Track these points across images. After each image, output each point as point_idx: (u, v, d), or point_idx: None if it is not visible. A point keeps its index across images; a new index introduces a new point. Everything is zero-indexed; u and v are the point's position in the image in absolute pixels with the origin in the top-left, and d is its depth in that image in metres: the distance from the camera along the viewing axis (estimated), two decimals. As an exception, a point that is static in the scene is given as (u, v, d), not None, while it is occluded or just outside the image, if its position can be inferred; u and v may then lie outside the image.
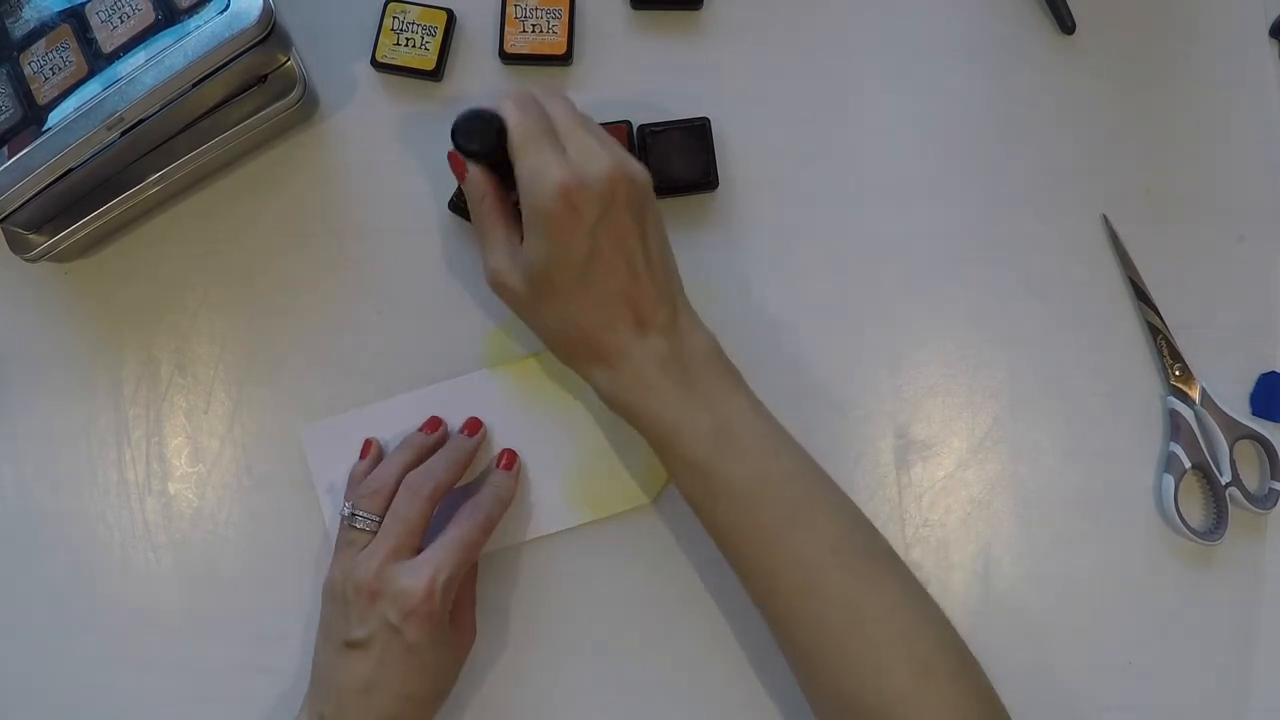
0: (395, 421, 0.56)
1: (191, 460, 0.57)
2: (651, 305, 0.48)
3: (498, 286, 0.50)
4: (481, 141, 0.48)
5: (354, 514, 0.51)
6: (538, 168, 0.46)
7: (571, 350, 0.50)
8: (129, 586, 0.56)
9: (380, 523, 0.51)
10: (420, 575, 0.48)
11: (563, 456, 0.56)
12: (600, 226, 0.46)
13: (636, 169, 0.48)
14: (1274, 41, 0.61)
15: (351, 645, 0.48)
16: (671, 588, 0.55)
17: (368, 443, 0.55)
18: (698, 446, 0.47)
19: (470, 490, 0.54)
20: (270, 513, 0.57)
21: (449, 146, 0.49)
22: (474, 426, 0.55)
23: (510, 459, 0.55)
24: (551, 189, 0.45)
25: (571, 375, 0.51)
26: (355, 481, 0.54)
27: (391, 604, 0.48)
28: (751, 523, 0.47)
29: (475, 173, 0.50)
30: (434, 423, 0.55)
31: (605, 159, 0.47)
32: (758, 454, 0.48)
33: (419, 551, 0.50)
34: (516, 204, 0.49)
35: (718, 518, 0.48)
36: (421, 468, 0.52)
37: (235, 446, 0.57)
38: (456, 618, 0.52)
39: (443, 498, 0.52)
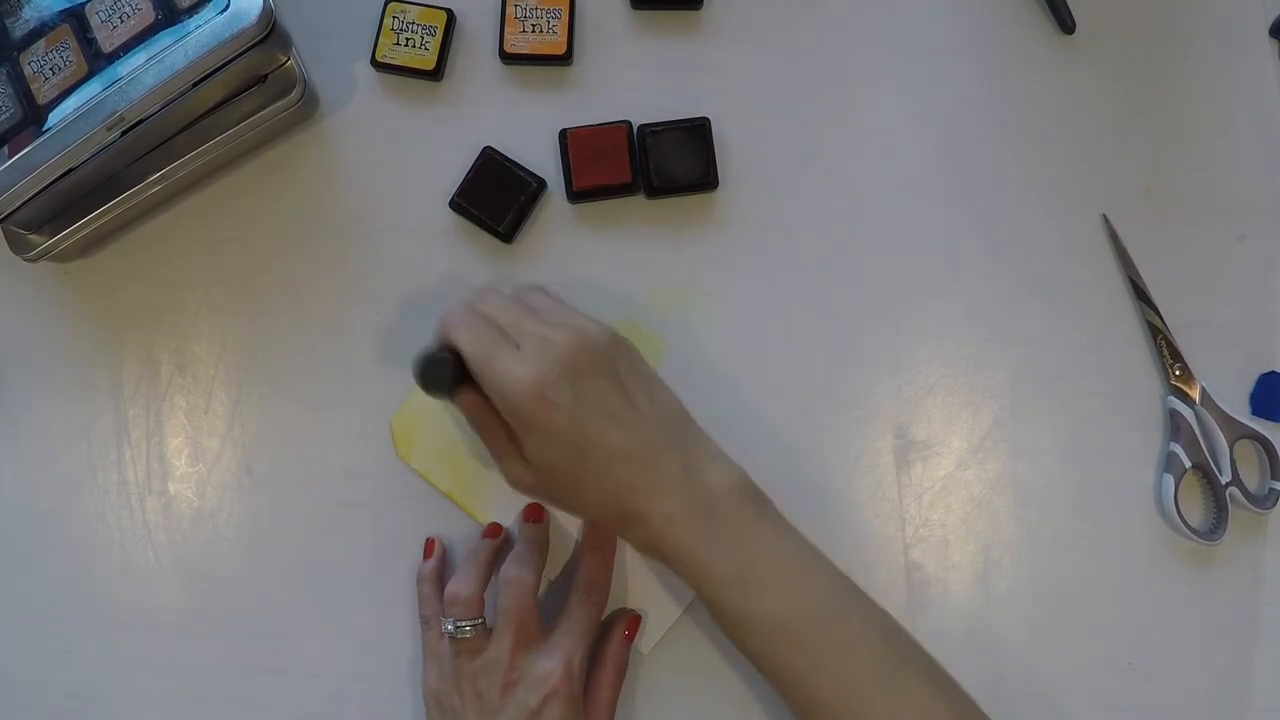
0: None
1: (191, 460, 0.57)
2: (658, 457, 0.48)
3: (519, 489, 0.51)
4: (447, 382, 0.49)
5: (458, 627, 0.50)
6: (501, 383, 0.47)
7: (602, 522, 0.51)
8: (129, 586, 0.56)
9: (483, 623, 0.51)
10: (555, 658, 0.49)
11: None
12: (578, 405, 0.47)
13: (593, 331, 0.48)
14: (1274, 41, 0.61)
15: None
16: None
17: (430, 541, 0.55)
18: (724, 592, 0.47)
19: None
20: (270, 513, 0.57)
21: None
22: (536, 513, 0.55)
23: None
24: (521, 395, 0.46)
25: None
26: (427, 581, 0.54)
27: (530, 689, 0.48)
28: (785, 649, 0.47)
29: (460, 400, 0.50)
30: (495, 529, 0.55)
31: (558, 338, 0.47)
32: (786, 590, 0.48)
33: (542, 637, 0.50)
34: None
35: (750, 647, 0.48)
36: (514, 559, 0.52)
37: (235, 446, 0.57)
38: (590, 709, 0.51)
39: (540, 581, 0.52)
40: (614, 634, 0.53)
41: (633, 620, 0.54)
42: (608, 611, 0.54)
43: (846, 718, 0.46)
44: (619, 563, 0.55)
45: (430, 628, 0.53)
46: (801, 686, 0.47)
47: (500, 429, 0.50)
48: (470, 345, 0.48)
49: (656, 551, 0.48)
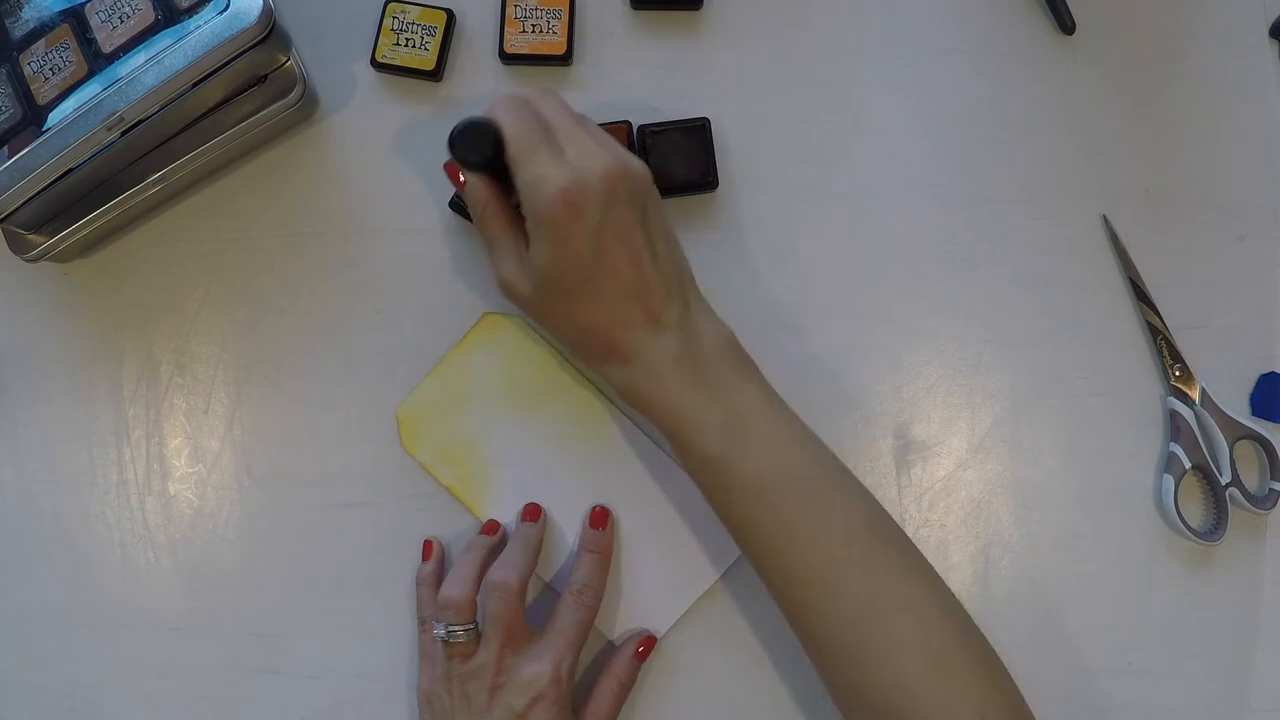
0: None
1: (191, 460, 0.57)
2: (661, 302, 0.48)
3: (509, 293, 0.50)
4: (480, 151, 0.48)
5: (450, 631, 0.50)
6: (537, 175, 0.46)
7: (586, 350, 0.50)
8: (129, 586, 0.56)
9: (474, 628, 0.51)
10: (544, 661, 0.49)
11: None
12: (603, 227, 0.46)
13: (635, 165, 0.48)
14: (1274, 41, 0.61)
15: None
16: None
17: (428, 544, 0.55)
18: (710, 441, 0.47)
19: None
20: (270, 513, 0.57)
21: (446, 151, 0.49)
22: (534, 512, 0.55)
23: (602, 516, 0.54)
24: (552, 194, 0.45)
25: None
26: (424, 584, 0.54)
27: (518, 692, 0.48)
28: (766, 516, 0.47)
29: (474, 182, 0.49)
30: (493, 525, 0.55)
31: (603, 158, 0.46)
32: (771, 447, 0.47)
33: (530, 640, 0.50)
34: (517, 207, 0.49)
35: (732, 511, 0.48)
36: (499, 564, 0.52)
37: (235, 447, 0.57)
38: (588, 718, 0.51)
39: (529, 584, 0.52)
40: (625, 648, 0.53)
41: (647, 640, 0.54)
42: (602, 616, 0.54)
43: (820, 593, 0.46)
44: (615, 567, 0.55)
45: (427, 629, 0.53)
46: (777, 556, 0.47)
47: (506, 226, 0.49)
48: (517, 130, 0.47)
49: (638, 394, 0.48)
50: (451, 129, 0.49)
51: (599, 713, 0.51)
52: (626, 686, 0.52)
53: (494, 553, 0.54)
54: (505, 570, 0.51)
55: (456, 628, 0.50)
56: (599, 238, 0.46)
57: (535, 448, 0.56)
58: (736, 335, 0.50)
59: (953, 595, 0.48)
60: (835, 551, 0.46)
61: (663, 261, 0.48)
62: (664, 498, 0.55)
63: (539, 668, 0.49)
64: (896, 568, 0.47)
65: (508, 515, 0.56)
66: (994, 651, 0.47)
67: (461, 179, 0.50)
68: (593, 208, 0.46)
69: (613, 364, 0.48)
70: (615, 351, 0.48)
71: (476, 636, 0.51)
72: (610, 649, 0.54)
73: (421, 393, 0.56)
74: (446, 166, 0.50)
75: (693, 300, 0.50)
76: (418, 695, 0.52)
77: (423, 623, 0.53)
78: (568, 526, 0.55)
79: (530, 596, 0.54)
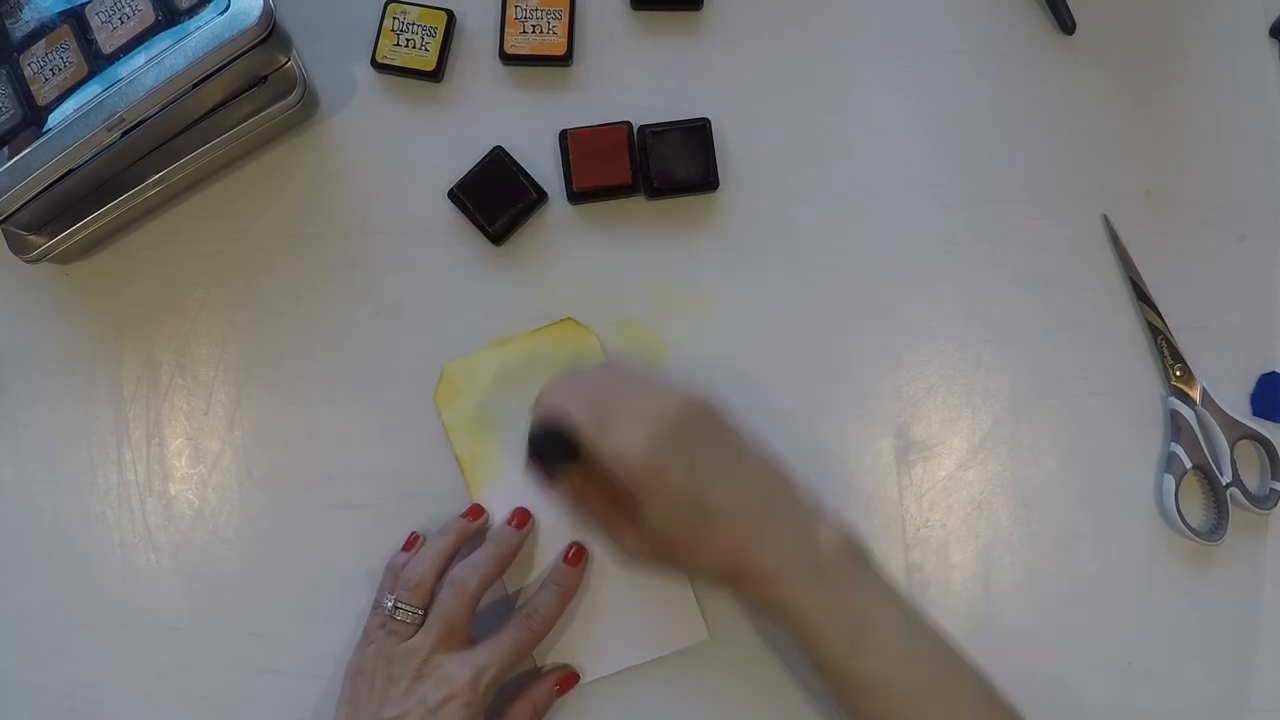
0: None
1: (192, 461, 0.57)
2: (770, 512, 0.48)
3: (639, 560, 0.51)
4: (565, 452, 0.49)
5: (396, 607, 0.51)
6: (616, 451, 0.47)
7: (719, 584, 0.51)
8: (129, 586, 0.56)
9: (423, 615, 0.51)
10: (468, 665, 0.49)
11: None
12: (693, 470, 0.47)
13: (689, 394, 0.49)
14: (1274, 41, 0.61)
15: None
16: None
17: (413, 536, 0.55)
18: (832, 649, 0.47)
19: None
20: (270, 514, 0.57)
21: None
22: (522, 519, 0.55)
23: (579, 554, 0.55)
24: (639, 464, 0.46)
25: None
26: (392, 570, 0.54)
27: (434, 687, 0.48)
28: (892, 713, 0.47)
29: (568, 483, 0.51)
30: (476, 510, 0.55)
31: (666, 405, 0.48)
32: (890, 652, 0.48)
33: (466, 645, 0.50)
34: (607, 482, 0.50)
35: (858, 708, 0.48)
36: (466, 562, 0.52)
37: (235, 448, 0.57)
38: None
39: (487, 591, 0.52)
40: (546, 679, 0.53)
41: (568, 677, 0.54)
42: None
43: None
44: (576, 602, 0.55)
45: (376, 612, 0.52)
46: None
47: (608, 504, 0.51)
48: (583, 416, 0.48)
49: (769, 608, 0.48)
50: (529, 436, 0.50)
51: None
52: (538, 713, 0.53)
53: (463, 542, 0.54)
54: (469, 570, 0.51)
55: (406, 606, 0.51)
56: (693, 477, 0.47)
57: None
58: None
59: None
60: None
61: (755, 469, 0.49)
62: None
63: (461, 670, 0.49)
64: None
65: (498, 509, 0.55)
66: None
67: (547, 478, 0.51)
68: (677, 454, 0.47)
69: (746, 589, 0.49)
70: (742, 577, 0.48)
71: (420, 623, 0.51)
72: (535, 673, 0.54)
73: (477, 359, 0.56)
74: (531, 466, 0.51)
75: (799, 498, 0.50)
76: (344, 670, 0.52)
77: (375, 606, 0.53)
78: (549, 547, 0.55)
79: (490, 597, 0.53)
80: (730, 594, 0.52)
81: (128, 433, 0.57)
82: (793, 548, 0.48)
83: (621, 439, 0.47)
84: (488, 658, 0.50)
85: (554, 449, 0.49)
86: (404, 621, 0.50)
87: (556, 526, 0.55)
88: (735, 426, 0.50)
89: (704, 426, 0.49)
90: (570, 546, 0.55)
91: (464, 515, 0.55)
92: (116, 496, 0.57)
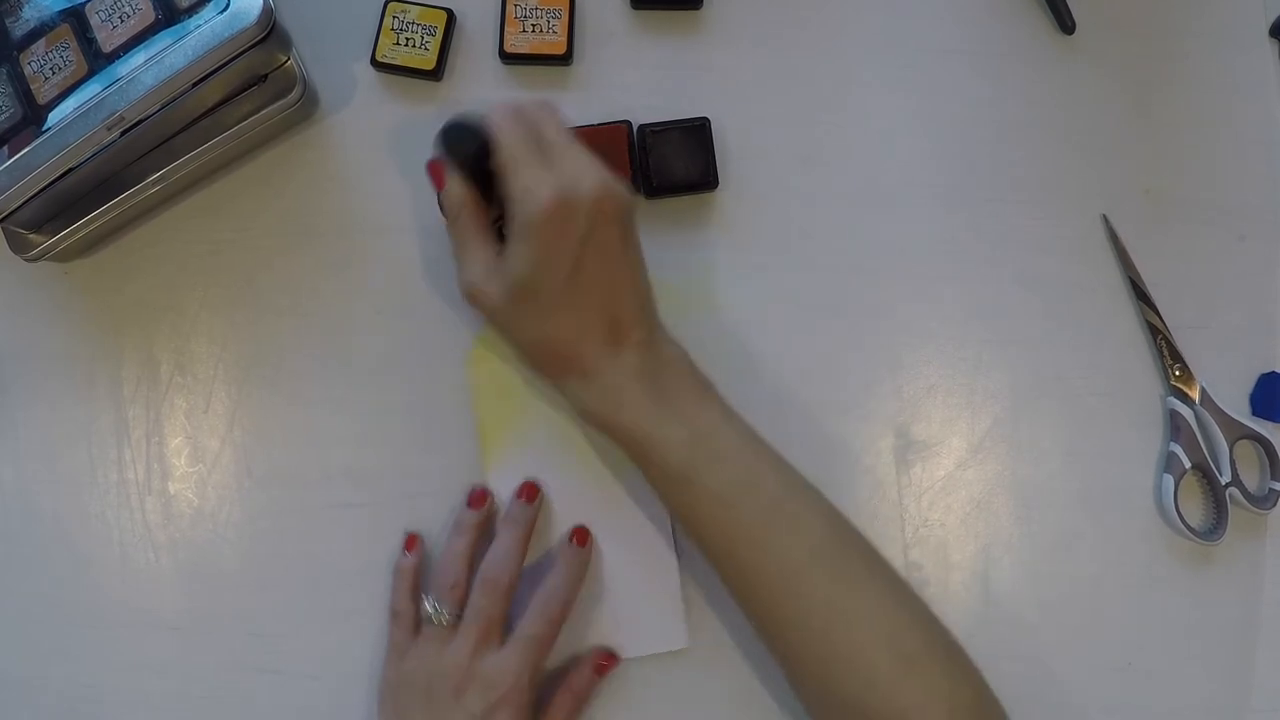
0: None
1: (191, 460, 0.57)
2: (630, 320, 0.49)
3: (474, 298, 0.50)
4: (468, 151, 0.49)
5: (438, 610, 0.51)
6: (530, 182, 0.47)
7: (547, 362, 0.50)
8: (129, 586, 0.56)
9: (459, 616, 0.51)
10: (508, 665, 0.49)
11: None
12: (587, 241, 0.47)
13: (622, 188, 0.49)
14: (1274, 41, 0.61)
15: None
16: None
17: (411, 537, 0.55)
18: (674, 455, 0.48)
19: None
20: (270, 513, 0.57)
21: (435, 148, 0.49)
22: (531, 492, 0.55)
23: (583, 535, 0.54)
24: (542, 203, 0.46)
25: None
26: (402, 576, 0.54)
27: (479, 695, 0.48)
28: (731, 527, 0.47)
29: (455, 184, 0.50)
30: (479, 497, 0.55)
31: (594, 176, 0.47)
32: (735, 460, 0.48)
33: (502, 643, 0.50)
34: (495, 220, 0.50)
35: (698, 523, 0.48)
36: (494, 557, 0.52)
37: (235, 447, 0.57)
38: None
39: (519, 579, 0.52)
40: (584, 664, 0.53)
41: (607, 656, 0.54)
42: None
43: (787, 600, 0.47)
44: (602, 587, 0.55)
45: (399, 622, 0.53)
46: (743, 566, 0.48)
47: (480, 230, 0.50)
48: (510, 142, 0.48)
49: (598, 412, 0.49)
50: (447, 124, 0.49)
51: None
52: (582, 700, 0.52)
53: (481, 533, 0.54)
54: (497, 568, 0.51)
55: (445, 610, 0.51)
56: (581, 251, 0.47)
57: (569, 440, 0.56)
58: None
59: (918, 597, 0.48)
60: (799, 560, 0.47)
61: (637, 284, 0.49)
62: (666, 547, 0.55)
63: (501, 673, 0.49)
64: (861, 573, 0.48)
65: (511, 480, 0.55)
66: (962, 649, 0.48)
67: (443, 180, 0.51)
68: (581, 221, 0.46)
69: (573, 378, 0.49)
70: (577, 366, 0.48)
71: (455, 627, 0.51)
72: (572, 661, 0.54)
73: None
74: (430, 165, 0.51)
75: (655, 323, 0.51)
76: (380, 687, 0.52)
77: (395, 614, 0.53)
78: (558, 523, 0.55)
79: None
80: (555, 387, 0.51)
81: (127, 432, 0.57)
82: (636, 356, 0.48)
83: (537, 175, 0.47)
84: (522, 656, 0.50)
85: (463, 148, 0.49)
86: (443, 626, 0.51)
87: (565, 500, 0.55)
88: (637, 237, 0.50)
89: (616, 214, 0.48)
90: (573, 530, 0.54)
91: (468, 505, 0.54)
92: (116, 496, 0.57)
